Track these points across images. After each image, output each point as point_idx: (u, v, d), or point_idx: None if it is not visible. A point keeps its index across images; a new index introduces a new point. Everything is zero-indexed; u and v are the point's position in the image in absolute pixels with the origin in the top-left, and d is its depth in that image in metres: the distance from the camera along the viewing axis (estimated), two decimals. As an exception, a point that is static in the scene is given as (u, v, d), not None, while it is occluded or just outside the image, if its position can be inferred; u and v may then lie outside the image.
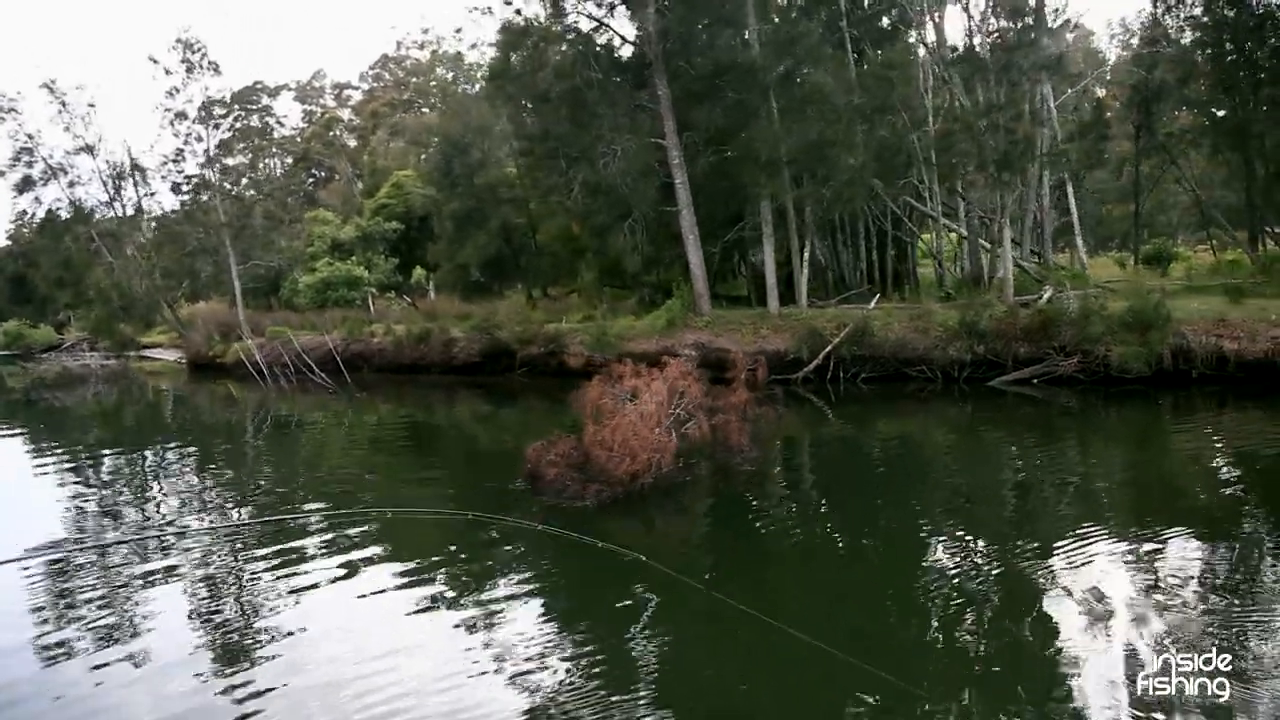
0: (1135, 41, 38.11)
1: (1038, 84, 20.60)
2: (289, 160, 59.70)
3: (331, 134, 59.18)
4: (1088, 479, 10.74)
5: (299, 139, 59.99)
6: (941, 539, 8.25)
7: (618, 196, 19.67)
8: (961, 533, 8.38)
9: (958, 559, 7.60)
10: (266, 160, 59.31)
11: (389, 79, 61.54)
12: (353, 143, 60.14)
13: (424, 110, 57.69)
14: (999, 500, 9.84)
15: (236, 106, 35.97)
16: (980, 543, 7.95)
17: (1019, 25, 19.00)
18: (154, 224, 37.15)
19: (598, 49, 20.42)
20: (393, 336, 25.90)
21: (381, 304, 36.10)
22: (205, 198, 33.62)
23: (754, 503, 9.82)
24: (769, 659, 5.72)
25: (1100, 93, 37.50)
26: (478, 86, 47.65)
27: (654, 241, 23.77)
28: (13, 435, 19.70)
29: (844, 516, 9.36)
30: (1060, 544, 7.63)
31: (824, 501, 10.20)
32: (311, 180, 58.13)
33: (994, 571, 7.20)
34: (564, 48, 20.47)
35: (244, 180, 36.76)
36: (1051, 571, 7.04)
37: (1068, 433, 14.03)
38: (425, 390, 23.09)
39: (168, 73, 31.48)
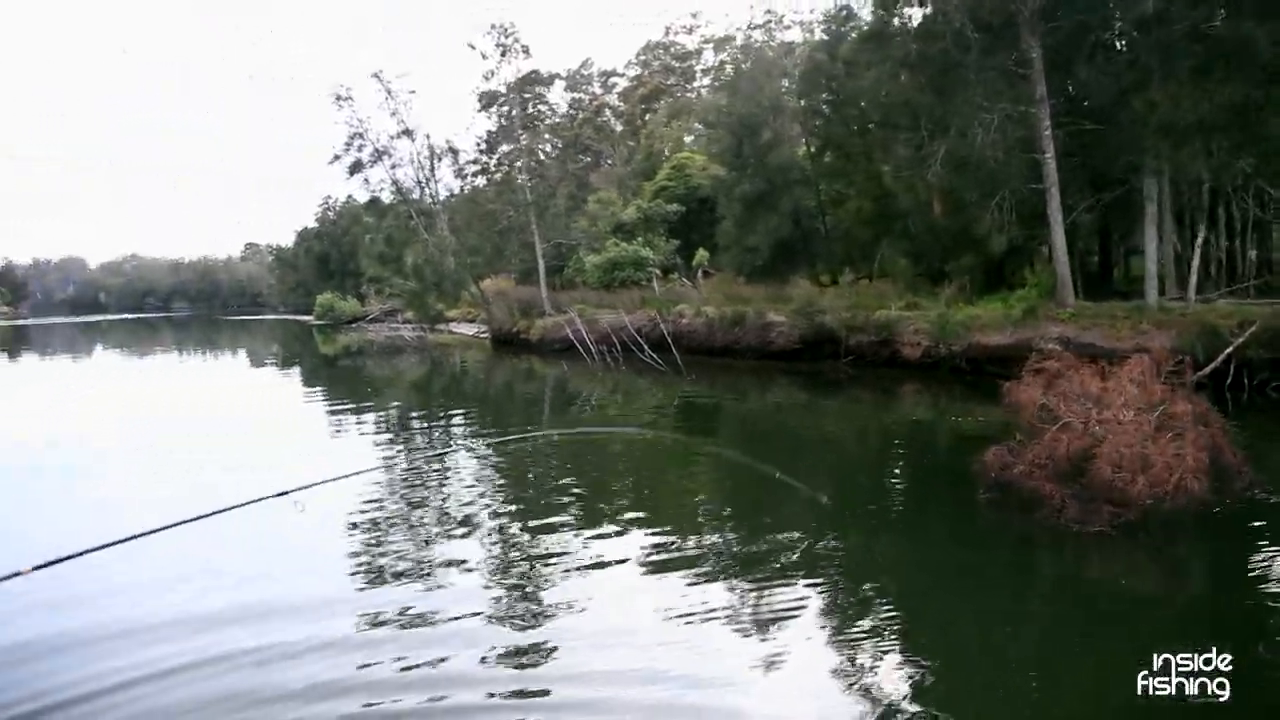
0: None
1: None
2: (559, 145, 62.46)
3: (600, 119, 61.07)
4: None
5: (570, 124, 62.44)
6: None
7: (986, 172, 17.85)
8: None
9: None
10: (539, 145, 62.51)
11: (656, 65, 62.41)
12: (619, 127, 61.73)
13: (689, 94, 57.98)
14: None
15: (513, 96, 37.69)
16: None
17: None
18: (457, 203, 39.98)
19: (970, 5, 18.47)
20: (704, 318, 25.60)
21: (664, 285, 36.50)
22: (513, 176, 35.63)
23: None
24: None
25: None
26: (748, 64, 46.93)
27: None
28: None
29: None
30: None
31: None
32: (579, 165, 60.33)
33: None
34: (929, 7, 18.87)
35: (542, 161, 38.49)
36: None
37: None
38: (741, 375, 22.40)
39: (484, 57, 33.67)
